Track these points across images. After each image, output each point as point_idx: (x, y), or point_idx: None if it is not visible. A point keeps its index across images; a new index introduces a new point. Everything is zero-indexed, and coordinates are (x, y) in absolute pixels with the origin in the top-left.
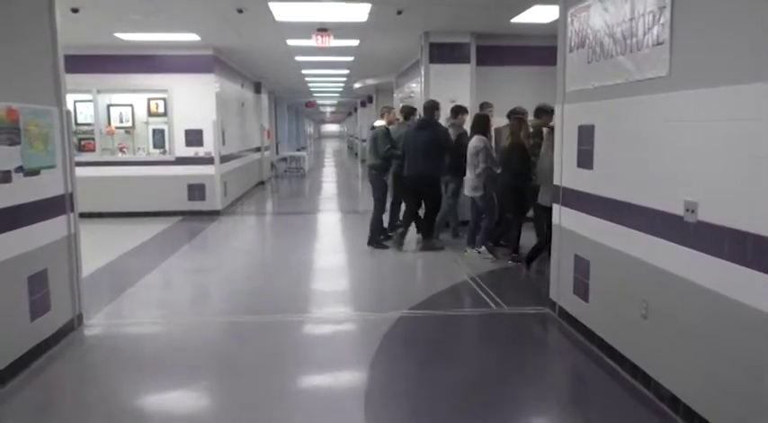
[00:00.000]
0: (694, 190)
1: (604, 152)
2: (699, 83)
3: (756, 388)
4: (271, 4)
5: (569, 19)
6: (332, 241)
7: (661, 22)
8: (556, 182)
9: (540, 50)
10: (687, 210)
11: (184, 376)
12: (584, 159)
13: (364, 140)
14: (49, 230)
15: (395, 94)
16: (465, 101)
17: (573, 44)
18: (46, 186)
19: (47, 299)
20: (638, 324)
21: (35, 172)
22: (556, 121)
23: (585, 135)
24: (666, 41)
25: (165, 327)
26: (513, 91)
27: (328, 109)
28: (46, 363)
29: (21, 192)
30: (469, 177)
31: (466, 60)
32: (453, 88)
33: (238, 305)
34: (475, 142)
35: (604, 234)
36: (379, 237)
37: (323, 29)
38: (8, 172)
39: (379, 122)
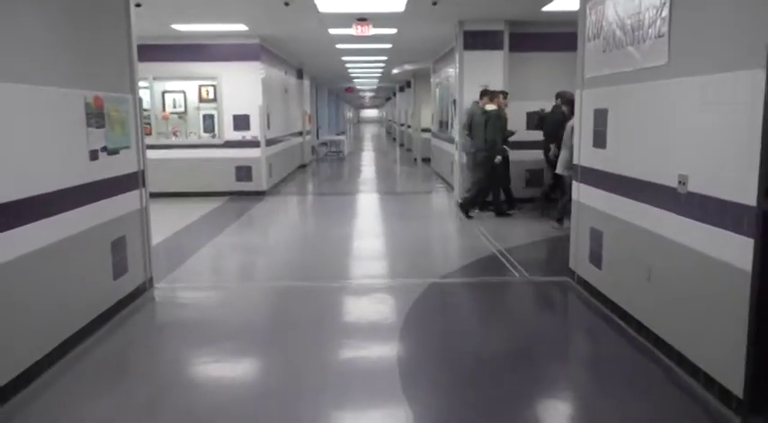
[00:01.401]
0: (686, 164)
1: (615, 133)
2: (691, 71)
3: (727, 327)
4: None
5: (588, 11)
6: (369, 218)
7: (662, 16)
8: (575, 161)
9: (569, 37)
10: (680, 182)
11: (238, 329)
12: (599, 140)
13: (403, 125)
14: (127, 202)
15: (432, 79)
16: (497, 86)
17: (591, 34)
18: (124, 164)
19: (125, 262)
20: (642, 285)
21: (116, 151)
22: (575, 105)
23: (600, 118)
24: (666, 34)
25: (220, 290)
26: (543, 76)
27: (367, 94)
28: (126, 316)
29: (105, 168)
30: (566, 157)
31: (499, 47)
32: (487, 74)
33: (284, 273)
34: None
35: (615, 207)
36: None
37: (362, 18)
38: (96, 151)
39: (491, 106)
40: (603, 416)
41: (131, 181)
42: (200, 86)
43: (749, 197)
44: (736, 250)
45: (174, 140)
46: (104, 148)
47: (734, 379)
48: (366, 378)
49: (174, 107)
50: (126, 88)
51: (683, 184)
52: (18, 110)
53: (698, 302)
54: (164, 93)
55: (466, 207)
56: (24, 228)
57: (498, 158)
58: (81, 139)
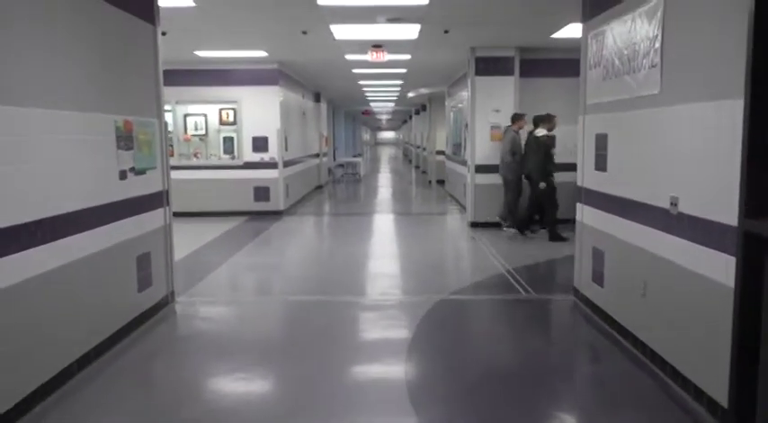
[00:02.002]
0: (676, 187)
1: (615, 157)
2: (681, 100)
3: (713, 341)
4: (332, 26)
5: (589, 40)
6: (383, 238)
7: (655, 47)
8: (578, 183)
9: (577, 63)
10: (671, 203)
11: (255, 341)
12: (600, 163)
13: (419, 148)
14: (152, 220)
15: (446, 103)
16: (508, 110)
17: (592, 63)
18: (150, 184)
19: (149, 276)
20: (638, 302)
21: (142, 172)
22: (578, 130)
23: (601, 142)
24: (658, 65)
25: (239, 304)
26: (553, 100)
27: (384, 117)
28: (150, 327)
29: (133, 187)
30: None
31: (510, 73)
32: (498, 98)
33: (300, 288)
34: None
35: (615, 227)
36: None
37: (377, 45)
38: (125, 171)
39: (541, 131)
40: (597, 421)
41: (156, 200)
42: (221, 110)
43: (731, 217)
44: (721, 268)
45: (195, 162)
46: (132, 169)
47: (719, 390)
48: (376, 388)
49: (196, 129)
50: (153, 112)
51: (675, 205)
52: (57, 134)
53: (687, 317)
54: (186, 116)
55: (554, 234)
56: (61, 242)
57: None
58: (112, 160)
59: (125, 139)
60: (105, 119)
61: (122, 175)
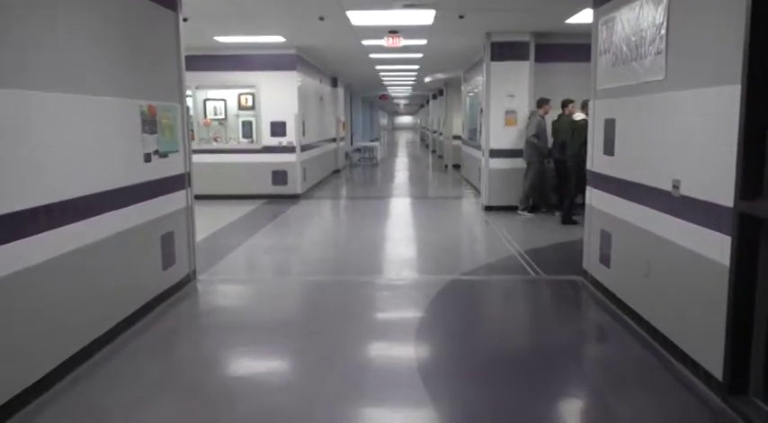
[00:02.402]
0: (678, 170)
1: (622, 141)
2: (684, 85)
3: (710, 317)
4: (348, 12)
5: (600, 27)
6: (399, 221)
7: (660, 34)
8: (588, 167)
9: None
10: (674, 186)
11: (272, 317)
12: (608, 147)
13: (435, 132)
14: (175, 201)
15: (462, 88)
16: (523, 95)
17: (602, 49)
18: (173, 166)
19: (173, 255)
20: (642, 282)
21: (165, 155)
22: (589, 115)
23: (609, 127)
24: (663, 51)
25: (257, 282)
26: (568, 85)
27: (401, 101)
28: (173, 302)
29: (157, 170)
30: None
31: (525, 58)
32: (513, 83)
33: (317, 269)
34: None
35: (622, 210)
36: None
37: (394, 31)
38: (149, 154)
39: (580, 115)
40: (604, 398)
41: (179, 182)
42: (240, 94)
43: (728, 199)
44: (718, 247)
45: (214, 146)
46: (156, 152)
47: (715, 363)
48: (388, 360)
49: (215, 114)
50: (175, 97)
51: (677, 187)
52: (89, 118)
53: (687, 296)
54: (205, 100)
55: (567, 218)
56: (91, 220)
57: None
58: (137, 143)
59: (149, 124)
60: (131, 104)
61: (147, 158)
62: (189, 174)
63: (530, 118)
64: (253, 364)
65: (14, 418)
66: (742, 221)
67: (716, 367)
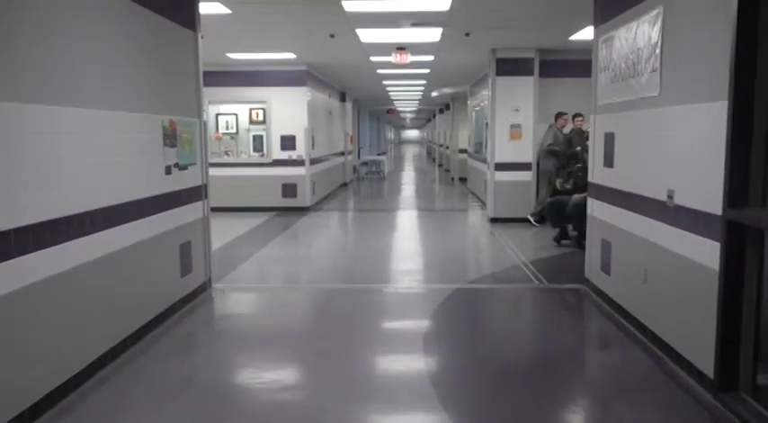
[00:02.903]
0: (672, 181)
1: (621, 154)
2: (677, 101)
3: (702, 320)
4: (357, 30)
5: (600, 45)
6: (405, 232)
7: (656, 53)
8: (589, 179)
9: None
10: (668, 196)
11: (284, 322)
12: (608, 160)
13: (442, 146)
14: (192, 212)
15: (468, 102)
16: (528, 109)
17: (602, 66)
18: (191, 178)
19: (190, 263)
20: (641, 288)
21: (185, 167)
22: (589, 129)
23: (609, 140)
24: (658, 69)
25: (270, 291)
26: (571, 100)
27: (408, 116)
28: (191, 309)
29: (177, 182)
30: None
31: (530, 73)
32: (518, 98)
33: (326, 278)
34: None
35: (621, 220)
36: None
37: (401, 47)
38: (170, 166)
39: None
40: (604, 398)
41: (196, 193)
42: (251, 109)
43: (718, 208)
44: (709, 253)
45: (226, 159)
46: (176, 165)
47: (707, 362)
48: (395, 362)
49: (227, 128)
50: (194, 112)
51: (671, 197)
52: (117, 133)
53: (681, 300)
54: (217, 115)
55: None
56: (115, 229)
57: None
58: (159, 156)
59: (170, 138)
60: (154, 119)
61: (168, 170)
62: (206, 185)
63: (547, 130)
64: (265, 367)
65: (49, 413)
66: (729, 228)
67: (708, 366)
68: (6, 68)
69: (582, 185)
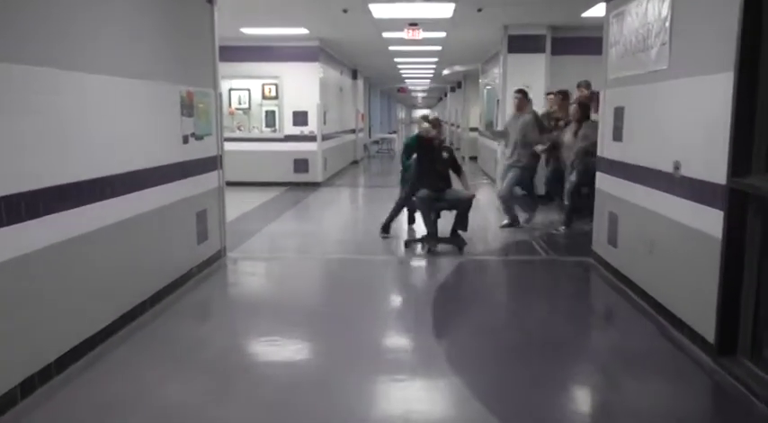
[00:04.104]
0: (679, 152)
1: (630, 127)
2: (685, 74)
3: (705, 286)
4: (370, 5)
5: (611, 20)
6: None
7: (665, 27)
8: (598, 153)
9: None
10: (675, 168)
11: (296, 288)
12: (617, 134)
13: (453, 125)
14: (208, 181)
15: (480, 81)
16: (539, 87)
17: (613, 41)
18: (207, 148)
19: (206, 231)
20: (646, 258)
21: (201, 137)
22: (600, 104)
23: (618, 114)
24: (667, 43)
25: (282, 260)
26: (582, 77)
27: (420, 94)
28: (207, 275)
29: (193, 151)
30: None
31: (541, 50)
32: (529, 75)
33: (336, 248)
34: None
35: (628, 192)
36: None
37: (413, 23)
38: (187, 136)
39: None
40: (609, 363)
41: (212, 163)
42: (264, 85)
43: (722, 177)
44: (712, 221)
45: (238, 134)
46: (193, 134)
47: (708, 328)
48: (403, 323)
49: (240, 103)
50: (209, 84)
51: (677, 168)
52: (137, 100)
53: (684, 268)
54: (230, 90)
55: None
56: (134, 194)
57: None
58: (176, 125)
59: (187, 108)
60: (172, 88)
61: (185, 140)
62: (221, 156)
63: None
64: (279, 331)
65: (81, 361)
66: (732, 196)
67: (708, 331)
68: (45, 37)
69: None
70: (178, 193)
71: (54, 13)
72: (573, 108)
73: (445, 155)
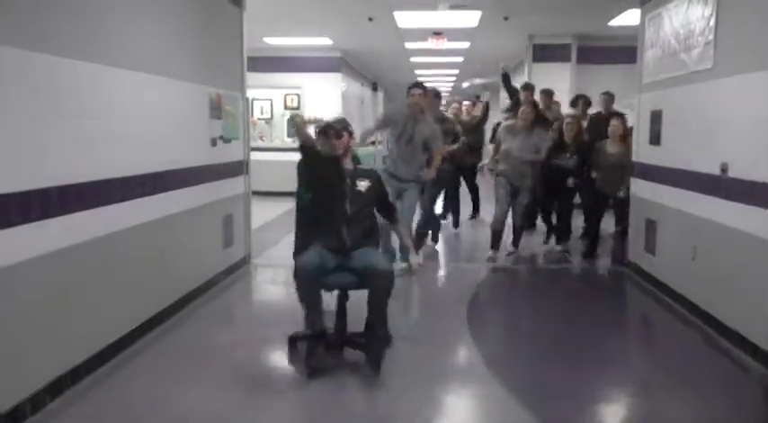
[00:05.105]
0: (726, 153)
1: (668, 131)
2: (731, 72)
3: (755, 292)
4: (395, 13)
5: (647, 23)
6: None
7: (710, 25)
8: (633, 158)
9: (633, 50)
10: (722, 170)
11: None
12: (654, 138)
13: None
14: (235, 185)
15: (500, 94)
16: (564, 96)
17: (649, 44)
18: (234, 152)
19: (232, 236)
20: (689, 265)
21: (228, 141)
22: (635, 108)
23: (655, 118)
24: (712, 41)
25: None
26: (608, 87)
27: None
28: (233, 280)
29: (221, 154)
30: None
31: (566, 59)
32: (554, 84)
33: None
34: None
35: (668, 197)
36: None
37: (438, 32)
38: (215, 138)
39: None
40: (659, 371)
41: (238, 168)
42: (286, 95)
43: None
44: (762, 223)
45: (260, 144)
46: (221, 137)
47: (760, 335)
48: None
49: (262, 113)
50: (237, 88)
51: (725, 170)
52: (168, 99)
53: (732, 274)
54: (253, 100)
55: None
56: (163, 195)
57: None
58: (205, 127)
59: (215, 110)
60: (201, 90)
61: (213, 143)
62: (247, 162)
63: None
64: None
65: (107, 365)
66: None
67: (761, 337)
68: (94, 37)
69: None
70: (206, 197)
71: (100, 13)
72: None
73: (362, 185)
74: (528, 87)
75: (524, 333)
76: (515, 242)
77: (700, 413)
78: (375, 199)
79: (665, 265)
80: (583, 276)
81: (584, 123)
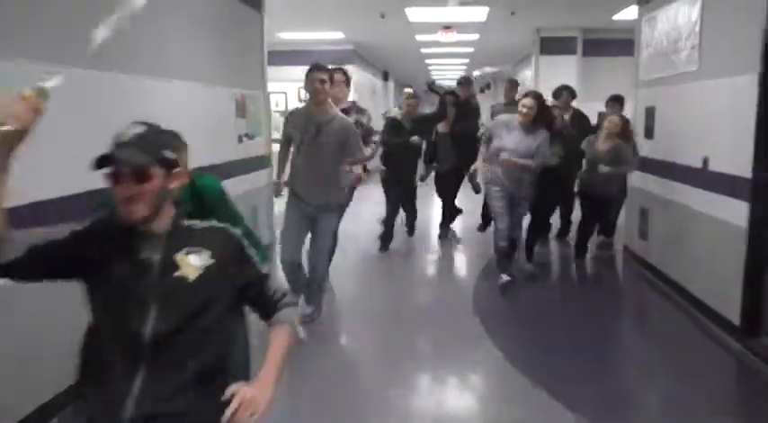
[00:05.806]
0: (707, 148)
1: (660, 126)
2: (713, 75)
3: (731, 274)
4: (407, 9)
5: (643, 23)
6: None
7: (695, 30)
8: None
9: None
10: (704, 163)
11: (348, 275)
12: (648, 132)
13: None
14: (259, 179)
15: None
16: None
17: (644, 43)
18: (257, 148)
19: (257, 227)
20: (675, 249)
21: (252, 137)
22: (632, 104)
23: (650, 114)
24: (697, 46)
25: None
26: (612, 79)
27: None
28: None
29: (247, 149)
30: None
31: (573, 52)
32: (561, 77)
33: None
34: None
35: (658, 187)
36: None
37: (448, 26)
38: (241, 136)
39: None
40: (644, 345)
41: (262, 161)
42: (300, 88)
43: (747, 171)
44: (738, 213)
45: (275, 135)
46: (246, 134)
47: (734, 312)
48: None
49: (276, 107)
50: (259, 86)
51: (706, 164)
52: (203, 102)
53: (712, 257)
54: (268, 94)
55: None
56: None
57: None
58: (232, 126)
59: (240, 109)
60: (229, 92)
61: (240, 139)
62: (269, 155)
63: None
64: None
65: None
66: (756, 188)
67: (734, 315)
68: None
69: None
70: (237, 188)
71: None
72: None
73: (191, 266)
74: (513, 83)
75: (523, 308)
76: (529, 257)
77: (677, 386)
78: (224, 291)
79: (654, 249)
80: (580, 260)
81: (567, 117)
